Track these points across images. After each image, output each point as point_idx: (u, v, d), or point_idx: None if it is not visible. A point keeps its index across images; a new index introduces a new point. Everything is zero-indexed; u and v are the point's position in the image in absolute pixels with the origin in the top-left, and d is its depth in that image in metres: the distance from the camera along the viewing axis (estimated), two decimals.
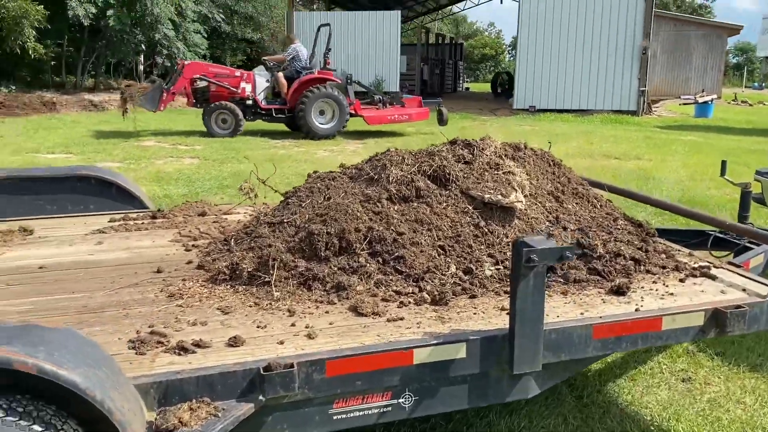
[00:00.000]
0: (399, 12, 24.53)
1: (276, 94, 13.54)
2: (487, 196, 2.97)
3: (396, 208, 2.95)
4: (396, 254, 2.75)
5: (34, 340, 1.68)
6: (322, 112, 13.28)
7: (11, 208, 3.72)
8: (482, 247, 2.86)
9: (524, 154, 3.38)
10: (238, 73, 13.34)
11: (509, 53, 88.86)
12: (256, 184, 3.48)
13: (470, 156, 3.19)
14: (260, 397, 1.99)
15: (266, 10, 34.60)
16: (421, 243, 2.81)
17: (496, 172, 3.13)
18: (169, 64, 23.30)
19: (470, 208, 2.98)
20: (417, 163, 3.10)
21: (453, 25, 71.36)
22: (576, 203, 3.27)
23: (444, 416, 2.83)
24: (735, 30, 30.40)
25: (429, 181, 3.04)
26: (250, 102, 13.05)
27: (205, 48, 25.68)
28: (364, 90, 15.59)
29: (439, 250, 2.81)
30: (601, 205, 3.35)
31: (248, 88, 13.05)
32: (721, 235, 3.85)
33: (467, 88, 39.86)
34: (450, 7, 42.71)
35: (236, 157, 10.18)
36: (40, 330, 1.77)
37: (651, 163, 10.39)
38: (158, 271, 2.87)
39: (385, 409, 2.21)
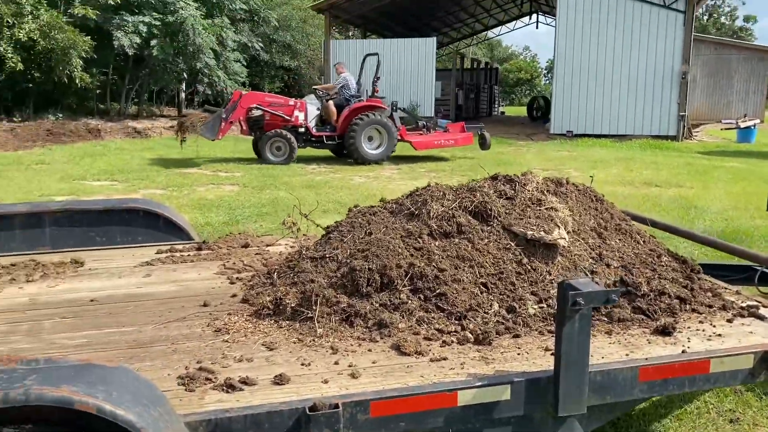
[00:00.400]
0: (434, 39, 24.76)
1: (323, 122, 13.89)
2: (530, 232, 2.97)
3: (437, 243, 2.97)
4: (438, 291, 2.77)
5: (93, 379, 1.73)
6: (370, 139, 13.66)
7: (64, 240, 3.86)
8: (525, 285, 2.86)
9: (566, 189, 3.37)
10: (291, 102, 13.67)
11: (545, 77, 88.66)
12: (299, 218, 3.54)
13: (512, 191, 3.19)
14: None
15: (303, 38, 35.23)
16: (463, 280, 2.82)
17: (538, 207, 3.13)
18: (209, 92, 23.86)
19: (512, 244, 2.98)
20: (458, 199, 3.13)
21: (488, 49, 71.58)
22: (619, 239, 3.25)
23: None
24: None
25: (470, 217, 3.06)
26: (302, 130, 13.42)
27: (244, 76, 26.22)
28: (406, 116, 15.93)
29: (481, 287, 2.82)
30: (644, 241, 3.32)
31: (301, 116, 13.40)
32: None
33: (503, 112, 39.81)
34: (485, 32, 42.92)
35: (274, 184, 10.34)
36: (98, 369, 1.83)
37: (693, 191, 10.21)
38: (204, 305, 2.93)
39: None
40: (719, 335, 2.59)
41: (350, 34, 39.66)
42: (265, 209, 8.13)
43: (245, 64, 27.20)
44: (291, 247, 3.93)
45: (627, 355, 2.42)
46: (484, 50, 66.93)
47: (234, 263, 3.55)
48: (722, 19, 73.99)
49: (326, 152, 14.50)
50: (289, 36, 33.93)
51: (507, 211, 3.10)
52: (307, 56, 36.22)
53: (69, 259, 3.58)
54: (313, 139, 13.66)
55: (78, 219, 3.88)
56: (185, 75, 23.69)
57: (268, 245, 3.97)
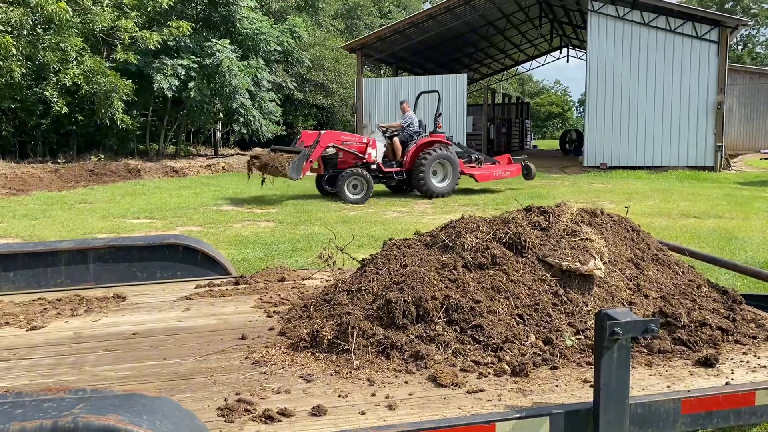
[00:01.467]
0: (465, 75, 25.00)
1: (386, 158, 14.22)
2: (565, 263, 2.96)
3: (472, 275, 2.98)
4: (473, 323, 2.77)
5: (138, 409, 1.78)
6: (434, 173, 14.04)
7: (107, 275, 3.96)
8: (562, 316, 2.84)
9: (601, 220, 3.36)
10: (365, 139, 13.96)
11: (576, 110, 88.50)
12: (335, 252, 3.58)
13: (546, 223, 3.20)
14: None
15: (336, 78, 35.94)
16: (499, 311, 2.81)
17: (573, 238, 3.12)
18: (245, 131, 24.40)
19: (548, 275, 2.97)
20: (492, 230, 3.14)
21: (518, 84, 71.87)
22: (657, 270, 3.21)
23: None
24: None
25: (504, 248, 3.06)
26: (374, 166, 13.70)
27: (278, 115, 26.79)
28: (461, 150, 16.22)
29: (517, 318, 2.81)
30: (683, 272, 3.28)
31: (373, 153, 13.69)
32: None
33: (535, 146, 39.78)
34: (516, 67, 43.18)
35: (309, 220, 10.46)
36: (142, 399, 1.88)
37: (733, 222, 9.99)
38: (242, 338, 2.97)
39: None
40: (764, 366, 2.52)
41: (381, 72, 40.33)
42: (300, 244, 8.22)
43: (279, 103, 27.84)
44: (326, 280, 3.97)
45: (668, 387, 2.38)
46: (515, 85, 67.23)
47: (270, 297, 3.61)
48: (758, 48, 73.15)
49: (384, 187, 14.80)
50: (322, 75, 34.67)
51: (541, 243, 3.10)
52: (340, 94, 36.90)
53: (112, 294, 3.67)
54: (381, 175, 13.97)
55: (121, 255, 3.99)
56: (221, 115, 24.33)
57: (304, 279, 4.02)
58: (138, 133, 23.16)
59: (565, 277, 2.97)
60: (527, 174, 15.10)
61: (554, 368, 2.56)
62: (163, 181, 17.37)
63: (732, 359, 2.60)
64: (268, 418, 2.17)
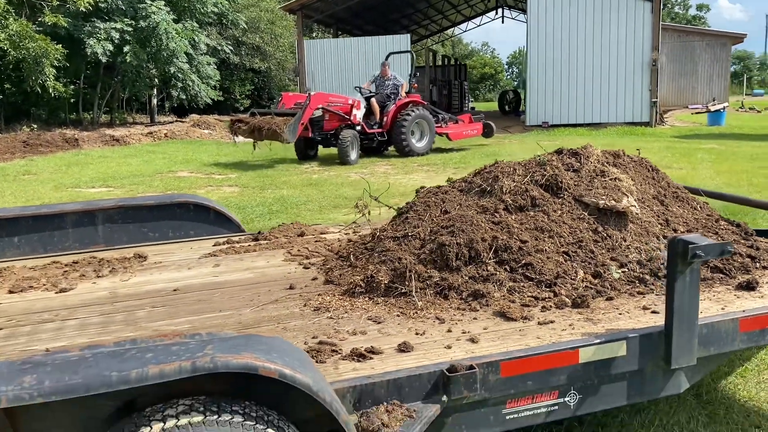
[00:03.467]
0: (408, 36, 24.88)
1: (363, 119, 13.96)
2: (601, 202, 3.07)
3: (514, 217, 3.05)
4: (523, 261, 2.85)
5: (263, 347, 1.77)
6: (412, 133, 14.09)
7: (117, 237, 3.83)
8: (604, 252, 2.95)
9: (623, 161, 3.49)
10: (350, 100, 13.58)
11: (506, 72, 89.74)
12: (369, 202, 3.58)
13: (578, 164, 3.29)
14: (443, 398, 2.07)
15: (272, 40, 35.07)
16: (546, 250, 2.90)
17: (603, 178, 3.23)
18: (184, 97, 23.58)
19: (585, 214, 3.08)
20: (528, 173, 3.21)
21: (450, 46, 72.06)
22: (678, 206, 3.37)
23: (577, 418, 2.89)
24: (738, 38, 30.73)
25: (542, 190, 3.14)
26: (359, 128, 13.46)
27: (216, 80, 26.00)
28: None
29: (564, 256, 2.91)
30: (700, 207, 3.45)
31: (359, 114, 13.43)
32: None
33: (473, 108, 40.12)
34: (452, 28, 43.26)
35: (274, 184, 10.31)
36: (260, 338, 1.86)
37: (683, 172, 10.49)
38: (291, 288, 2.96)
39: (552, 408, 2.29)
40: None
41: (314, 35, 39.56)
42: (275, 207, 8.12)
43: (216, 67, 26.96)
44: (345, 233, 3.97)
45: (723, 309, 2.53)
46: (447, 48, 67.38)
47: (299, 250, 3.58)
48: (676, 8, 75.89)
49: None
50: (258, 38, 33.75)
51: (576, 183, 3.20)
52: (277, 58, 36.06)
53: (132, 254, 3.56)
54: (362, 136, 13.70)
55: (131, 215, 3.86)
56: (157, 81, 23.39)
57: (322, 233, 4.00)
58: (72, 101, 21.99)
59: (601, 215, 3.08)
60: (488, 132, 15.43)
61: (609, 299, 2.68)
62: (106, 150, 16.66)
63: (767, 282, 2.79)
64: (359, 356, 2.20)
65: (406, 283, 2.75)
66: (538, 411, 2.27)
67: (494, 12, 39.71)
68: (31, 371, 1.58)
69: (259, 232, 3.96)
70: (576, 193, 3.14)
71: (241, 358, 1.66)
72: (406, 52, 15.95)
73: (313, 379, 1.74)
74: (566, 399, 2.29)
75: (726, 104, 23.68)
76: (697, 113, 25.04)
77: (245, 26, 30.61)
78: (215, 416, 1.68)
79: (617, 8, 21.30)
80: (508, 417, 2.23)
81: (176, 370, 1.60)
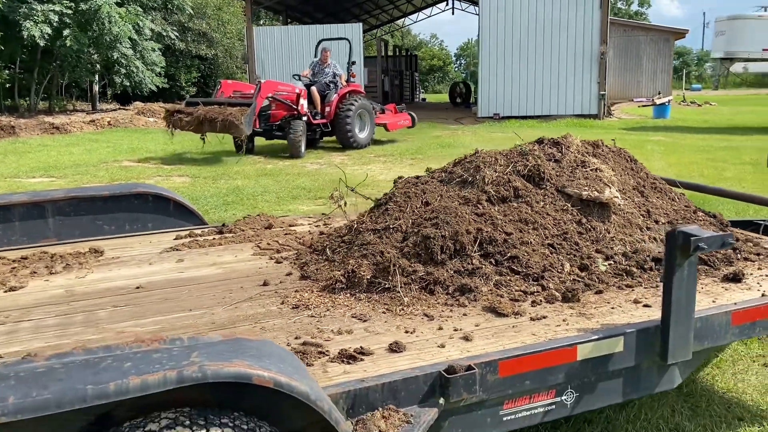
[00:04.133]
0: (360, 25, 24.62)
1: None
2: (584, 193, 3.00)
3: (497, 208, 2.95)
4: (509, 254, 2.75)
5: (253, 352, 1.60)
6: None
7: (69, 230, 3.56)
8: (588, 243, 2.88)
9: (602, 151, 3.43)
10: (297, 89, 12.55)
11: (455, 64, 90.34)
12: (345, 192, 3.42)
13: (559, 154, 3.22)
14: (440, 401, 1.95)
15: (219, 26, 34.20)
16: (531, 242, 2.81)
17: (584, 169, 3.16)
18: (128, 84, 22.74)
19: (569, 206, 3.00)
20: (510, 163, 3.12)
21: (400, 37, 71.99)
22: (657, 197, 3.34)
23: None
24: (681, 34, 31.66)
25: (525, 181, 3.05)
26: (305, 119, 12.50)
27: (161, 66, 25.17)
28: None
29: (549, 248, 2.82)
30: (678, 198, 3.43)
31: (305, 104, 12.51)
32: None
33: (424, 99, 40.22)
34: (403, 18, 43.15)
35: (227, 174, 9.99)
36: (248, 342, 1.69)
37: None
38: (265, 284, 2.78)
39: (549, 408, 2.20)
40: None
41: (261, 22, 38.81)
42: (230, 198, 7.84)
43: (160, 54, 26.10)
44: (316, 226, 3.80)
45: (713, 301, 2.49)
46: (397, 38, 67.30)
47: (268, 244, 3.40)
48: (619, 4, 77.72)
49: (264, 141, 13.55)
50: (204, 24, 32.83)
51: (558, 174, 3.12)
52: (224, 44, 35.21)
53: (87, 249, 3.31)
54: (310, 126, 12.74)
55: (84, 207, 3.59)
56: (99, 67, 22.46)
57: (291, 225, 3.82)
58: (7, 86, 20.89)
59: (584, 207, 3.01)
60: (414, 123, 15.14)
61: (599, 292, 2.61)
62: (46, 138, 15.89)
63: (752, 274, 2.77)
64: (349, 357, 2.06)
65: (390, 278, 2.62)
66: (536, 411, 2.18)
67: (445, 3, 39.78)
68: None
69: (223, 225, 3.76)
70: (558, 183, 3.07)
71: (232, 365, 1.49)
72: (342, 39, 15.02)
73: (310, 387, 1.59)
74: (563, 398, 2.21)
75: (670, 98, 24.38)
76: (642, 106, 25.68)
77: (191, 12, 29.71)
78: (203, 430, 1.50)
79: (566, 2, 21.57)
80: (505, 418, 2.13)
81: (160, 381, 1.42)
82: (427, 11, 41.35)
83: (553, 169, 3.13)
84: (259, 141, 13.15)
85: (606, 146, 3.50)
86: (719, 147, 13.30)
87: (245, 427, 1.57)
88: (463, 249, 2.73)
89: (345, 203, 3.35)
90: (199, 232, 3.68)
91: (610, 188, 3.07)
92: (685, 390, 3.13)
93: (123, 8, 21.05)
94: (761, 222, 3.96)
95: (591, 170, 3.16)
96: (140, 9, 22.79)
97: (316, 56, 14.43)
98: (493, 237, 2.78)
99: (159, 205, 3.76)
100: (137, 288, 2.79)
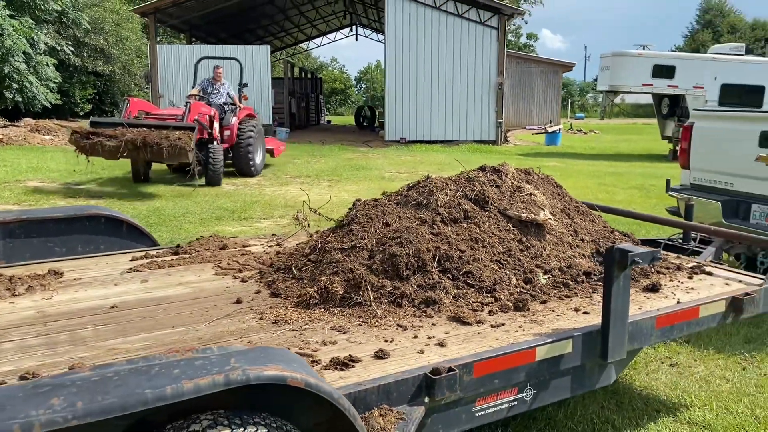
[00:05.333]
0: (268, 47, 24.69)
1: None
2: (524, 215, 3.37)
3: (450, 228, 3.25)
4: (464, 270, 3.06)
5: (280, 359, 1.79)
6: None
7: (19, 252, 3.53)
8: (529, 260, 3.25)
9: (534, 177, 3.84)
10: (212, 111, 11.56)
11: (356, 87, 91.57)
12: (308, 213, 3.61)
13: (499, 180, 3.58)
14: (426, 400, 2.21)
15: (118, 43, 33.08)
16: (482, 258, 3.14)
17: (521, 194, 3.55)
18: (20, 99, 21.54)
19: (510, 226, 3.36)
20: (459, 188, 3.44)
21: (301, 60, 72.26)
22: (581, 219, 3.77)
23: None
24: (568, 67, 34.02)
25: (472, 204, 3.39)
26: (216, 143, 11.39)
27: (56, 81, 24.06)
28: None
29: (497, 264, 3.16)
30: (596, 220, 3.89)
31: (217, 128, 11.46)
32: (669, 242, 4.55)
33: (329, 121, 40.64)
34: (308, 41, 43.51)
35: (142, 194, 9.79)
36: (271, 350, 1.88)
37: None
38: (239, 302, 2.93)
39: (512, 404, 2.51)
40: (692, 288, 3.18)
41: (159, 39, 37.85)
42: (152, 219, 7.74)
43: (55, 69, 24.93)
44: (270, 246, 3.96)
45: (639, 308, 2.90)
46: (300, 61, 67.49)
47: (228, 264, 3.53)
48: (509, 36, 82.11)
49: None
50: (102, 39, 31.66)
51: (499, 198, 3.48)
52: (122, 61, 34.06)
53: (46, 271, 3.30)
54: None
55: (35, 229, 3.57)
56: None
57: (245, 246, 3.96)
58: None
59: (523, 227, 3.38)
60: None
61: (544, 302, 2.96)
62: None
63: (666, 285, 3.23)
64: (341, 364, 2.26)
65: (361, 292, 2.85)
66: (502, 407, 2.48)
67: (349, 29, 40.54)
68: (55, 393, 1.49)
69: (178, 246, 3.84)
70: (500, 206, 3.42)
71: (269, 369, 1.68)
72: (231, 59, 13.89)
73: (332, 388, 1.80)
74: (523, 395, 2.53)
75: (560, 126, 26.10)
76: (536, 134, 27.30)
77: (88, 26, 28.66)
78: (241, 429, 1.68)
79: (467, 33, 22.72)
80: (477, 414, 2.42)
81: (210, 384, 1.59)
82: (332, 36, 42.01)
83: (495, 193, 3.48)
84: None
85: (536, 173, 3.91)
86: (607, 172, 14.49)
87: (274, 425, 1.75)
88: (424, 265, 3.01)
89: (309, 224, 3.55)
90: (154, 253, 3.74)
91: (544, 210, 3.46)
92: (609, 388, 3.55)
93: (16, 20, 20.04)
94: (661, 240, 4.55)
95: (526, 195, 3.55)
96: (33, 22, 21.75)
97: (195, 73, 13.34)
98: (449, 254, 3.08)
99: (112, 227, 3.80)
100: (112, 308, 2.85)
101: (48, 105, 23.06)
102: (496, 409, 2.46)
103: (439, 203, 3.34)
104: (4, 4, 19.41)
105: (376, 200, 3.55)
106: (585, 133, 32.24)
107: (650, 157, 19.34)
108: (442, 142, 22.92)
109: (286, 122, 26.39)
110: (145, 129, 9.50)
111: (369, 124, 32.48)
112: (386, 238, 3.10)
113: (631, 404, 3.38)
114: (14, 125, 22.80)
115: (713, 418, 3.22)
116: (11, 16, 20.29)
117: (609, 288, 2.56)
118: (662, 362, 3.94)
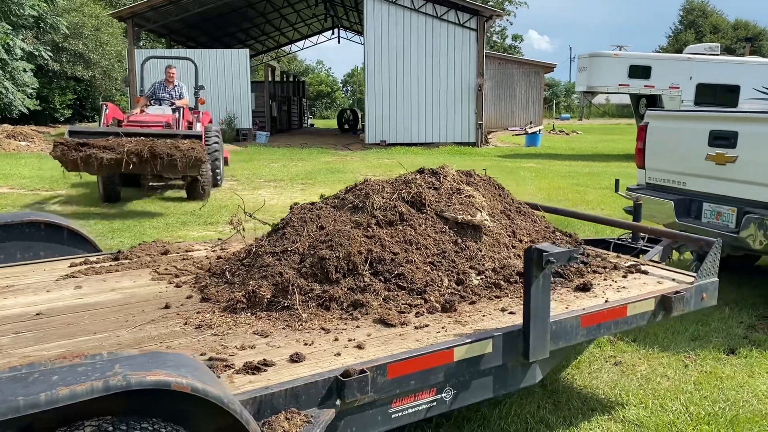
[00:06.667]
0: (247, 51, 24.65)
1: None
2: (459, 216, 3.39)
3: (385, 231, 3.26)
4: (395, 272, 3.06)
5: (170, 364, 1.79)
6: None
7: None
8: (464, 261, 3.26)
9: (475, 179, 3.85)
10: (191, 117, 10.78)
11: (342, 90, 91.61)
12: (243, 218, 3.60)
13: (438, 182, 3.59)
14: (337, 402, 2.21)
15: (97, 47, 32.94)
16: (415, 261, 3.15)
17: (459, 195, 3.56)
18: None
19: (446, 228, 3.38)
20: (396, 191, 3.45)
21: (286, 63, 72.19)
22: (521, 219, 3.79)
23: (444, 414, 3.15)
24: (549, 68, 34.19)
25: (409, 206, 3.40)
26: None
27: (34, 87, 23.89)
28: None
29: (430, 265, 3.17)
30: (538, 220, 3.91)
31: None
32: (618, 241, 4.59)
33: (312, 125, 40.60)
34: (290, 45, 43.47)
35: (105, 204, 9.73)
36: (164, 355, 1.87)
37: (510, 189, 11.46)
38: (167, 307, 2.92)
39: (431, 404, 2.51)
40: (624, 287, 3.21)
41: (141, 44, 37.66)
42: (116, 225, 7.70)
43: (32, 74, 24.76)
44: (213, 250, 3.95)
45: (566, 308, 2.92)
46: (284, 64, 67.43)
47: (166, 269, 3.51)
48: (494, 38, 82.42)
49: None
50: (81, 44, 31.54)
51: (436, 200, 3.49)
52: (103, 66, 33.92)
53: None
54: None
55: None
56: None
57: (187, 251, 3.94)
58: None
59: (460, 229, 3.39)
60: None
61: (473, 303, 2.97)
62: None
63: (599, 284, 3.25)
64: (253, 368, 2.26)
65: (289, 296, 2.85)
66: (420, 408, 2.48)
67: (330, 32, 40.55)
68: None
69: (119, 251, 3.82)
70: (437, 208, 3.44)
71: (152, 375, 1.68)
72: (184, 58, 12.75)
73: (222, 392, 1.79)
74: (443, 395, 2.53)
75: (541, 127, 26.24)
76: (516, 135, 27.41)
77: (66, 31, 28.49)
78: None
79: (446, 35, 22.81)
80: (393, 416, 2.42)
81: (88, 391, 1.58)
82: (313, 39, 41.98)
83: (432, 195, 3.50)
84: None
85: (478, 175, 3.93)
86: (583, 173, 14.57)
87: (164, 431, 1.75)
88: (355, 268, 3.01)
89: (243, 228, 3.54)
90: (94, 259, 3.72)
91: (482, 212, 3.48)
92: (549, 388, 3.57)
93: None
94: (612, 240, 4.58)
95: (465, 196, 3.56)
96: (10, 27, 21.59)
97: (142, 75, 12.12)
98: (382, 257, 3.08)
99: (52, 233, 3.77)
100: (38, 314, 2.83)
101: (25, 111, 22.88)
102: (414, 410, 2.47)
103: (375, 206, 3.34)
104: None
105: (313, 203, 3.55)
106: (567, 134, 32.42)
107: (628, 157, 19.45)
108: (422, 144, 22.97)
109: (267, 126, 26.32)
110: (143, 138, 8.30)
111: (351, 128, 32.49)
112: (318, 242, 3.10)
113: (568, 403, 3.40)
114: None
115: (647, 416, 3.24)
116: None
117: (528, 288, 2.57)
118: (606, 361, 3.97)
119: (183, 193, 10.34)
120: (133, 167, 7.92)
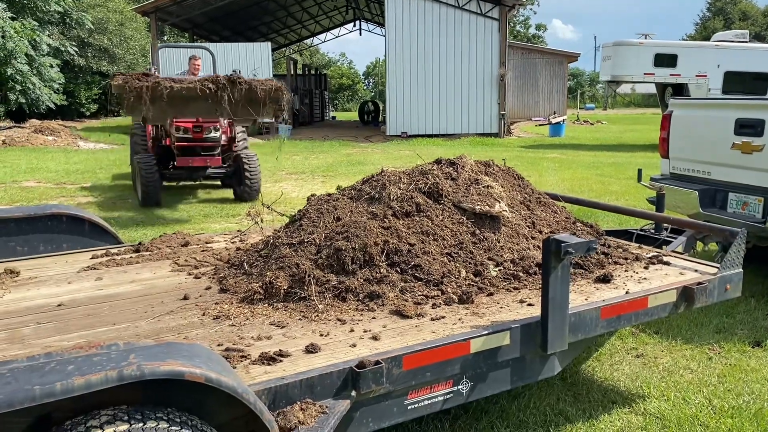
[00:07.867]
0: (269, 44, 24.71)
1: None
2: (477, 207, 3.36)
3: (401, 222, 3.25)
4: (412, 263, 3.05)
5: (185, 354, 1.80)
6: None
7: None
8: (482, 252, 3.23)
9: (493, 169, 3.82)
10: None
11: (364, 83, 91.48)
12: (262, 210, 3.61)
13: (455, 173, 3.56)
14: (352, 393, 2.21)
15: (121, 42, 33.29)
16: (432, 252, 3.13)
17: (477, 186, 3.53)
18: (24, 101, 21.72)
19: (464, 219, 3.35)
20: (412, 182, 3.43)
21: (309, 56, 72.25)
22: (541, 210, 3.75)
23: (462, 406, 3.13)
24: (573, 57, 33.75)
25: (425, 197, 3.38)
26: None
27: (60, 83, 24.24)
28: None
29: (447, 257, 3.15)
30: (559, 211, 3.86)
31: None
32: (641, 232, 4.51)
33: (334, 117, 40.63)
34: (312, 38, 43.50)
35: (134, 194, 9.85)
36: (179, 345, 1.88)
37: (533, 179, 11.34)
38: (185, 298, 2.94)
39: (447, 396, 2.50)
40: (645, 279, 3.16)
41: (165, 38, 38.03)
42: (139, 217, 7.79)
43: (59, 70, 25.13)
44: (232, 242, 3.97)
45: (586, 299, 2.88)
46: (306, 57, 67.52)
47: (186, 260, 3.54)
48: (518, 27, 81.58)
49: None
50: (106, 39, 31.89)
51: (454, 190, 3.46)
52: (127, 60, 34.27)
53: (2, 270, 3.33)
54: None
55: None
56: None
57: (207, 242, 3.97)
58: None
59: (477, 219, 3.37)
60: None
61: (490, 294, 2.95)
62: None
63: (620, 275, 3.21)
64: (269, 359, 2.27)
65: (305, 287, 2.85)
66: (436, 400, 2.47)
67: (352, 24, 40.47)
68: None
69: (140, 243, 3.86)
70: (455, 199, 3.41)
71: (166, 365, 1.69)
72: (199, 47, 11.55)
73: (236, 382, 1.80)
74: (460, 387, 2.52)
75: (565, 117, 25.94)
76: (539, 125, 27.15)
77: (92, 26, 28.84)
78: (140, 424, 1.69)
79: (468, 26, 22.62)
80: (410, 407, 2.41)
81: (102, 380, 1.60)
82: (335, 31, 41.95)
83: (450, 186, 3.47)
84: None
85: (496, 165, 3.89)
86: (607, 163, 14.38)
87: (178, 420, 1.76)
88: (371, 259, 3.00)
89: (261, 220, 3.55)
90: (115, 251, 3.76)
91: (500, 203, 3.45)
92: (569, 380, 3.54)
93: (17, 22, 20.19)
94: (634, 231, 4.51)
95: (483, 187, 3.53)
96: (36, 24, 21.91)
97: (158, 65, 10.90)
98: (398, 248, 3.07)
99: (74, 226, 3.82)
100: (59, 306, 2.88)
101: (52, 106, 23.23)
102: (430, 402, 2.46)
103: (391, 197, 3.33)
104: (5, 6, 19.55)
105: (329, 195, 3.55)
106: (591, 124, 32.02)
107: (654, 147, 19.14)
108: (443, 135, 22.86)
109: (289, 119, 26.39)
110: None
111: (372, 120, 32.43)
112: (334, 233, 3.10)
113: (588, 396, 3.36)
114: (19, 126, 23.03)
115: (669, 409, 3.19)
116: (13, 18, 20.46)
117: (547, 279, 2.54)
118: (628, 353, 3.92)
119: (205, 186, 10.41)
120: (206, 109, 6.91)
